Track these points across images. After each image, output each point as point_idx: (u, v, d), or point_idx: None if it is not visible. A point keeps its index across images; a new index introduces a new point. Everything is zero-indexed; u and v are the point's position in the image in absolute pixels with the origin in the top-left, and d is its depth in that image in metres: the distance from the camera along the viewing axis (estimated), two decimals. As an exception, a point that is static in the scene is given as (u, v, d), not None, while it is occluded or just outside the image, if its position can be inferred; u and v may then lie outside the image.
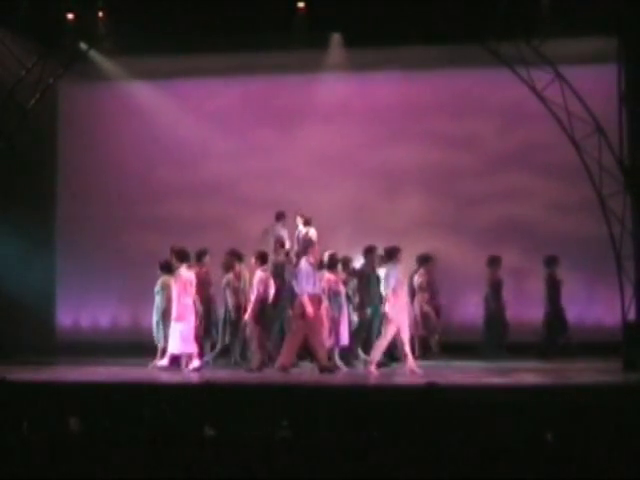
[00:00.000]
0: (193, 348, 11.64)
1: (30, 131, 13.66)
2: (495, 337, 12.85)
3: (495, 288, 13.05)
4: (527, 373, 10.59)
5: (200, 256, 12.24)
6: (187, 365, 11.58)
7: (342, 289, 11.60)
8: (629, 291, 11.49)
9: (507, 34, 11.37)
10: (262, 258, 11.64)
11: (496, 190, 14.22)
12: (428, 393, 7.04)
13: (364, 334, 11.91)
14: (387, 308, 10.91)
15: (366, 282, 11.86)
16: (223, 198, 14.78)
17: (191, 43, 13.65)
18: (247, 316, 11.52)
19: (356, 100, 14.58)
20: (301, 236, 13.22)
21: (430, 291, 13.11)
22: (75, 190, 15.00)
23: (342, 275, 11.80)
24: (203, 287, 12.07)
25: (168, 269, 12.07)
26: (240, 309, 11.99)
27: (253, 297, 11.46)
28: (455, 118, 14.35)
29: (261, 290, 11.43)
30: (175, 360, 11.73)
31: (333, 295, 11.47)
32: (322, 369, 11.01)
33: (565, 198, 13.87)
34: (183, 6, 12.42)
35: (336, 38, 14.23)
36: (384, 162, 14.44)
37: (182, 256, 11.87)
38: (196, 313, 11.82)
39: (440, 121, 14.43)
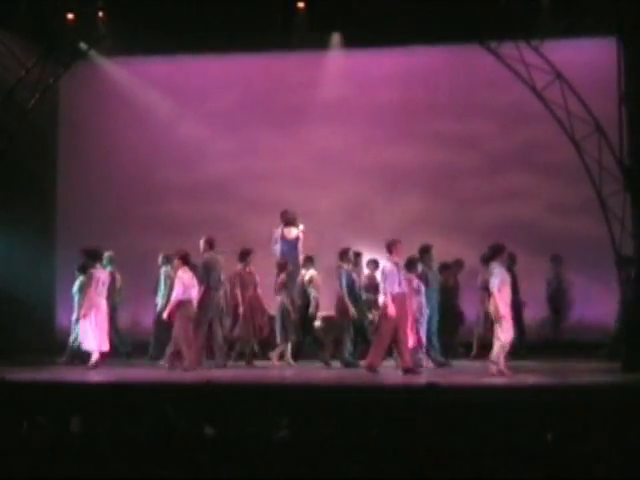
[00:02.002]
0: (94, 346, 11.74)
1: (30, 131, 13.66)
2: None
3: None
4: (527, 373, 10.57)
5: (244, 256, 12.25)
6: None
7: (422, 289, 11.40)
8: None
9: (507, 34, 11.37)
10: (184, 259, 11.71)
11: (496, 190, 14.23)
12: (428, 393, 7.04)
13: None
14: (492, 307, 10.57)
15: (424, 281, 11.63)
16: (223, 198, 14.78)
17: (191, 43, 13.67)
18: (164, 315, 11.58)
19: (356, 100, 14.60)
20: (301, 236, 13.23)
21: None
22: (75, 190, 15.01)
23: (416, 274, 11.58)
24: (246, 287, 12.14)
25: (85, 270, 12.24)
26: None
27: (172, 297, 11.52)
28: (455, 118, 14.35)
29: (180, 291, 11.46)
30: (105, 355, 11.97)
31: (415, 295, 11.28)
32: (406, 370, 10.82)
33: (565, 198, 13.87)
34: (183, 6, 12.42)
35: (336, 38, 14.26)
36: (384, 162, 14.45)
37: (93, 256, 12.09)
38: (109, 312, 12.06)
39: (440, 121, 14.43)
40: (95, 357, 11.73)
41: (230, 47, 13.95)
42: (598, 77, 12.46)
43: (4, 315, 13.33)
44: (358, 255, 12.46)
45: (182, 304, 11.44)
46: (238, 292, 12.21)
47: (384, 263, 11.18)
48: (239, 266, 12.30)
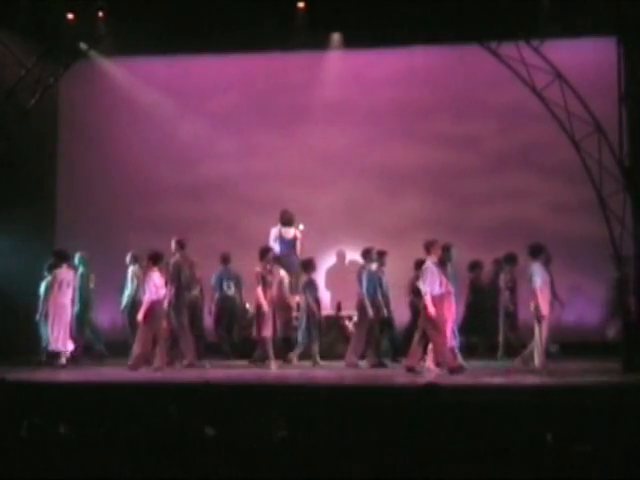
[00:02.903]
0: (63, 346, 12.02)
1: (30, 131, 13.66)
2: None
3: None
4: (527, 373, 10.58)
5: (263, 254, 12.14)
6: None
7: (451, 289, 11.21)
8: (629, 291, 11.48)
9: (507, 34, 11.37)
10: (154, 259, 11.75)
11: (496, 190, 14.22)
12: (428, 393, 7.03)
13: None
14: (535, 307, 10.58)
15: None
16: (223, 198, 14.78)
17: (191, 43, 13.68)
18: (139, 317, 11.57)
19: (356, 100, 14.60)
20: (298, 236, 13.23)
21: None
22: (75, 190, 15.02)
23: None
24: (270, 286, 12.11)
25: (51, 270, 12.39)
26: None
27: (145, 298, 11.57)
28: (455, 118, 14.35)
29: (153, 291, 11.49)
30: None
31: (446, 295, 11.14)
32: (408, 369, 10.86)
33: (565, 198, 13.86)
34: (183, 6, 12.43)
35: (336, 38, 14.27)
36: (384, 162, 14.46)
37: (61, 257, 12.36)
38: (79, 312, 12.44)
39: (440, 121, 14.43)
40: (65, 357, 12.02)
41: (230, 47, 13.95)
42: (598, 77, 12.46)
43: (3, 315, 13.32)
44: (383, 254, 12.25)
45: (153, 305, 11.50)
46: (260, 291, 12.03)
47: (427, 263, 10.96)
48: (259, 265, 12.18)
